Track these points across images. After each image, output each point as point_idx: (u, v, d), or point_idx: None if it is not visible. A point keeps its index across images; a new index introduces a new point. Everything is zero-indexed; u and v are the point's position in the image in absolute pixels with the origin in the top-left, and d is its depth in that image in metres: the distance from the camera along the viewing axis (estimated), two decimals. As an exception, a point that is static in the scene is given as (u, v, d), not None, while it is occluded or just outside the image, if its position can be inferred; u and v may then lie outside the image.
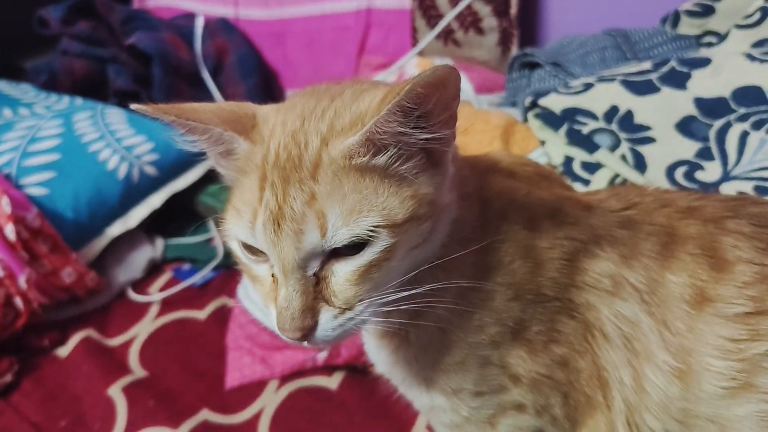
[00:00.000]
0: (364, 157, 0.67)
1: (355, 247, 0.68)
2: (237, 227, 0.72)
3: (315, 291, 0.69)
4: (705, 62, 1.33)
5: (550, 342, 0.80)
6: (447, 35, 1.99)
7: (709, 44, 1.42)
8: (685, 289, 0.77)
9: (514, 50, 1.85)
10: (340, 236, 0.67)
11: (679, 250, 0.78)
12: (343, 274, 0.69)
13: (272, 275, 0.72)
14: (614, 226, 0.81)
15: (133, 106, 0.70)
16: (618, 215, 0.83)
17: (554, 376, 0.81)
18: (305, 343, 0.71)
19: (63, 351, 1.45)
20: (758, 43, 1.33)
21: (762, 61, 1.29)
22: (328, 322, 0.69)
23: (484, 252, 0.78)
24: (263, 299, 0.74)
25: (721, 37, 1.41)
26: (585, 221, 0.81)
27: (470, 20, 1.94)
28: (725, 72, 1.30)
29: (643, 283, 0.78)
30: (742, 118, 1.23)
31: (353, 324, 0.71)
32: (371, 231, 0.67)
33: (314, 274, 0.69)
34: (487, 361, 0.80)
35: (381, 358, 0.88)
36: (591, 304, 0.80)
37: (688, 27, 1.48)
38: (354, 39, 2.09)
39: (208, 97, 1.93)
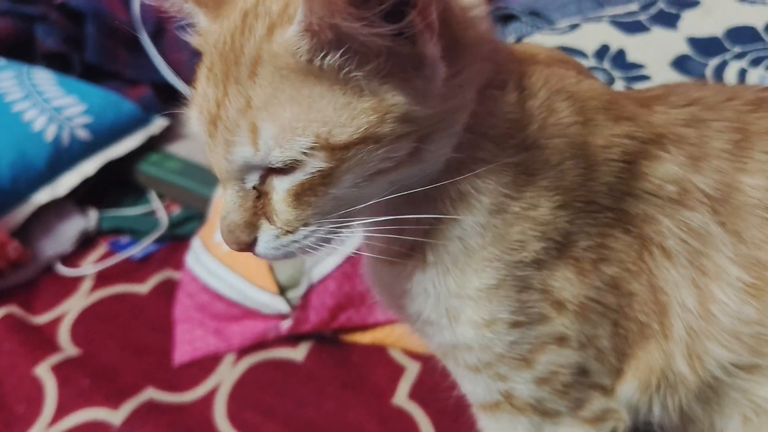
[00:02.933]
0: (307, 55, 0.53)
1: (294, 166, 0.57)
2: (191, 116, 0.62)
3: (255, 206, 0.60)
4: (693, 3, 1.26)
5: (600, 260, 0.67)
6: None
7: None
8: (763, 194, 0.66)
9: (483, 10, 1.76)
10: (274, 157, 0.56)
11: (754, 148, 0.67)
12: (280, 192, 0.59)
13: None
14: (677, 124, 0.69)
15: None
16: (680, 111, 0.70)
17: (604, 300, 0.67)
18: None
19: (-21, 330, 1.25)
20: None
21: (752, 2, 1.24)
22: (268, 241, 0.61)
23: (526, 150, 0.64)
24: None
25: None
26: (643, 118, 0.68)
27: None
28: (716, 13, 1.24)
29: (714, 188, 0.66)
30: (739, 57, 1.16)
31: (296, 247, 0.61)
32: (305, 152, 0.55)
33: (254, 188, 0.60)
34: (527, 284, 0.65)
35: (389, 287, 0.72)
36: (649, 215, 0.67)
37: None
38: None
39: (148, 63, 1.76)
